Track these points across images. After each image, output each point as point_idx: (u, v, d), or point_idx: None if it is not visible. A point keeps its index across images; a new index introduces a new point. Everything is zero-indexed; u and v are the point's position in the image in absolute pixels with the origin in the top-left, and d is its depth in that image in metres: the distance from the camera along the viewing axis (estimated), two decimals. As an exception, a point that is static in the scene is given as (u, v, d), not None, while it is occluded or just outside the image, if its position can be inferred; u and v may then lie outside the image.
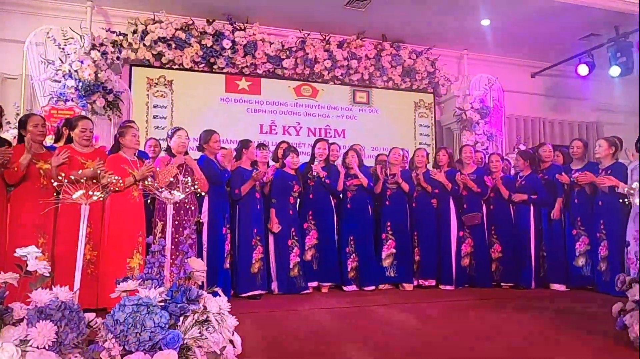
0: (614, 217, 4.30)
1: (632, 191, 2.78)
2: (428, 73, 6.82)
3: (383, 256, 4.85)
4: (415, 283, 4.89)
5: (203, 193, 3.94)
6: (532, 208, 4.94)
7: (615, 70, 6.33)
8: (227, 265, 4.18)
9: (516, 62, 7.43)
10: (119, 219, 3.53)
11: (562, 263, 4.81)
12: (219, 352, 1.60)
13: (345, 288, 4.68)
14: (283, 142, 5.13)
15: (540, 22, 6.19)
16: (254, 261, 4.35)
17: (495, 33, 6.50)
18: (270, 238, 4.54)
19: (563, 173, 4.79)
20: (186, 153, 3.99)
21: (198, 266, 1.74)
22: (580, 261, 4.72)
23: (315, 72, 6.31)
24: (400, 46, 6.66)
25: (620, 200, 3.05)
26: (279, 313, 3.65)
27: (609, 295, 3.89)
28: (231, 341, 1.76)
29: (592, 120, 7.88)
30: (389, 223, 4.90)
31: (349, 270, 4.71)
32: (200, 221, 4.03)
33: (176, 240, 3.78)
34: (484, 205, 5.07)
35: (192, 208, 3.92)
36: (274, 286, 4.49)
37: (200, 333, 1.61)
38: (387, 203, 4.93)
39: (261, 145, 4.82)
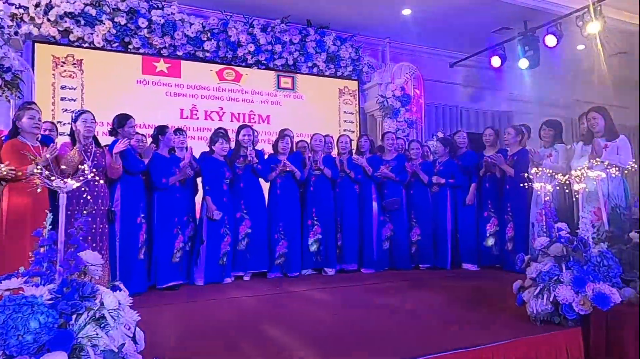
0: (520, 200, 4.60)
1: (531, 177, 2.98)
2: (352, 60, 6.88)
3: (309, 242, 4.88)
4: (338, 267, 4.97)
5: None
6: (448, 193, 5.17)
7: (523, 63, 6.74)
8: (142, 256, 3.99)
9: (436, 52, 7.71)
10: (18, 211, 3.23)
11: (474, 244, 5.10)
12: (116, 350, 1.50)
13: (269, 275, 4.65)
14: (220, 128, 4.96)
15: (458, 14, 6.44)
16: (175, 251, 4.20)
17: (416, 23, 6.68)
18: (203, 226, 4.39)
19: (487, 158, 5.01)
20: (94, 138, 3.73)
21: (93, 259, 1.62)
22: (490, 242, 5.03)
23: (239, 55, 6.14)
24: (325, 32, 6.65)
25: (521, 184, 3.26)
26: (198, 304, 3.56)
27: (515, 273, 4.17)
28: (133, 337, 1.66)
29: (505, 109, 8.38)
30: (314, 209, 4.92)
31: (276, 256, 4.68)
32: (112, 210, 3.80)
33: (92, 231, 3.56)
34: (403, 190, 5.24)
35: (104, 195, 3.69)
36: (197, 276, 4.36)
37: (95, 331, 1.50)
38: (311, 189, 4.95)
39: (178, 130, 4.62)
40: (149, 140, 4.43)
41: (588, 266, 2.54)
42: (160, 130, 4.31)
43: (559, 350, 2.43)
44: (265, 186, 4.92)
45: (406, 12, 6.37)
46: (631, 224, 2.95)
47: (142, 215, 4.03)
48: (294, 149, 5.07)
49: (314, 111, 6.73)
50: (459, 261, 5.15)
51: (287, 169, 4.74)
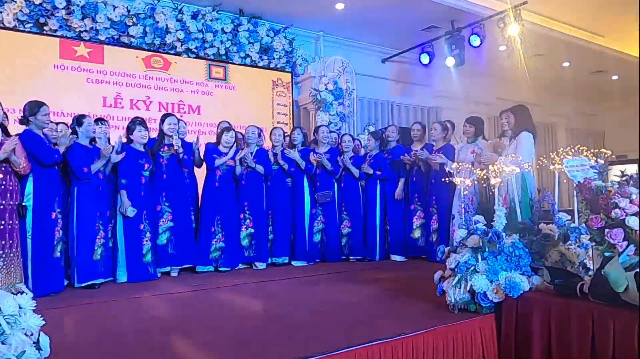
0: (444, 194, 4.79)
1: (451, 171, 3.11)
2: (286, 52, 6.82)
3: (241, 236, 4.81)
4: (269, 261, 4.95)
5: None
6: (378, 186, 5.29)
7: (450, 61, 7.01)
8: (58, 254, 3.74)
9: (368, 47, 7.83)
10: None
11: (402, 236, 5.26)
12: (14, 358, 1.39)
13: (199, 270, 4.54)
14: (137, 117, 4.73)
15: (390, 11, 6.56)
16: (96, 247, 3.98)
17: (349, 17, 6.74)
18: (120, 222, 4.18)
19: (405, 154, 5.20)
20: (2, 126, 3.43)
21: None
22: (417, 234, 5.21)
23: (167, 42, 5.89)
24: (258, 22, 6.54)
25: (443, 179, 3.39)
26: (119, 303, 3.40)
27: (438, 263, 4.35)
28: (37, 343, 1.55)
29: (433, 105, 8.70)
30: (246, 203, 4.86)
31: (211, 250, 4.57)
32: (23, 204, 3.52)
33: (1, 227, 3.28)
34: (335, 183, 5.30)
35: (13, 189, 3.41)
36: (121, 273, 4.16)
37: (-10, 339, 1.38)
38: (242, 182, 4.87)
39: (100, 120, 4.37)
40: (69, 130, 4.15)
41: (501, 256, 2.70)
42: (79, 120, 4.04)
43: (474, 335, 2.57)
44: (199, 177, 4.78)
45: (339, 6, 6.41)
46: (540, 216, 3.16)
47: (58, 210, 3.77)
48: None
49: (246, 103, 6.62)
50: (387, 252, 5.29)
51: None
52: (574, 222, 3.00)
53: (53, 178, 3.78)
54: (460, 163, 3.32)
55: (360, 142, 5.96)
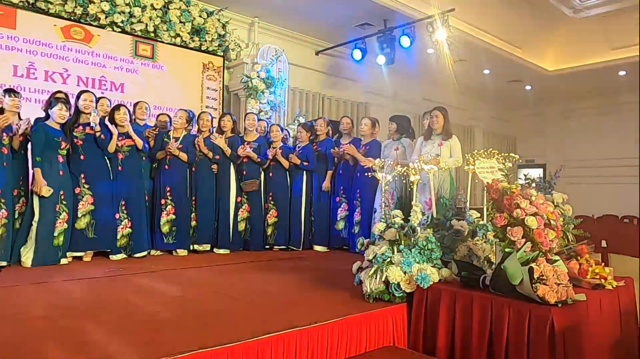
0: (368, 188, 4.96)
1: (375, 167, 3.23)
2: (219, 36, 6.66)
3: (162, 222, 4.66)
4: (191, 248, 4.85)
5: None
6: (304, 177, 5.34)
7: (381, 59, 7.21)
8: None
9: (303, 38, 7.84)
10: None
11: (326, 226, 5.37)
12: None
13: (112, 257, 4.34)
14: (59, 91, 4.41)
15: (326, 3, 6.61)
16: (-2, 227, 3.68)
17: (286, 6, 6.71)
18: (35, 202, 3.90)
19: (336, 147, 5.30)
20: None
21: None
22: (340, 225, 5.35)
23: (90, 13, 5.52)
24: (191, 1, 6.32)
25: (366, 174, 3.52)
26: (21, 287, 3.18)
27: (359, 254, 4.51)
28: None
29: (362, 100, 8.91)
30: (168, 188, 4.71)
31: (118, 237, 4.37)
32: None
33: None
34: (262, 172, 5.28)
35: None
36: (26, 256, 3.88)
37: None
38: (166, 167, 4.72)
39: (10, 91, 4.02)
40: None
41: (415, 249, 2.85)
42: None
43: (386, 323, 2.71)
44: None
45: (275, -7, 6.36)
46: (454, 212, 3.38)
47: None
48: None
49: (174, 84, 6.39)
50: (311, 243, 5.38)
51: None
52: (483, 220, 3.24)
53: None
54: (383, 159, 3.45)
55: (289, 132, 5.98)
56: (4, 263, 3.73)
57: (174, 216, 4.70)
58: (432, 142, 4.51)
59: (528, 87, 10.72)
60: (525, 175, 2.84)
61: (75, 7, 5.40)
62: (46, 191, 3.87)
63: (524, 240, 2.57)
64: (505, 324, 2.34)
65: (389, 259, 2.85)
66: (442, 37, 6.41)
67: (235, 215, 5.08)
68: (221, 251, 4.94)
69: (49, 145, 3.96)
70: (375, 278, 2.82)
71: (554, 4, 7.77)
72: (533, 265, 2.34)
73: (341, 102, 8.59)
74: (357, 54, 7.42)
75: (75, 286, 3.27)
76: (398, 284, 2.78)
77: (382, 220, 3.08)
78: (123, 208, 4.41)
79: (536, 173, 4.36)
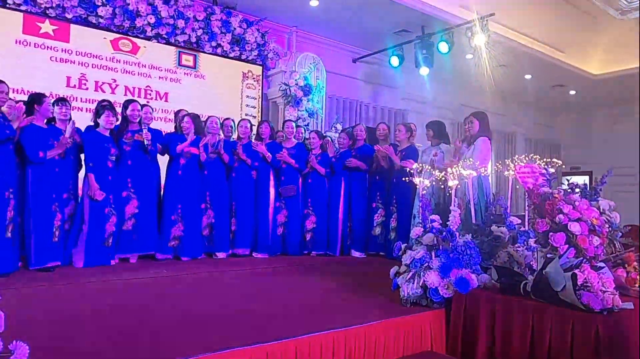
0: (404, 193, 4.93)
1: (412, 172, 3.23)
2: (258, 45, 6.82)
3: (203, 225, 4.81)
4: (230, 251, 4.96)
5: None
6: (342, 183, 5.37)
7: (419, 65, 7.18)
8: (9, 234, 3.63)
9: (340, 46, 7.91)
10: None
11: (363, 232, 5.38)
12: (-33, 331, 1.38)
13: (158, 257, 4.51)
14: (105, 100, 4.64)
15: (363, 12, 6.67)
16: (53, 230, 3.89)
17: (323, 15, 6.80)
18: (86, 205, 4.11)
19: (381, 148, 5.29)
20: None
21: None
22: (377, 231, 5.34)
23: (137, 26, 5.79)
24: (232, 13, 6.51)
25: (403, 179, 3.52)
26: (74, 286, 3.35)
27: (396, 260, 4.49)
28: (-10, 319, 1.54)
29: (400, 107, 8.88)
30: (207, 193, 4.86)
31: (170, 238, 4.54)
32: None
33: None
34: (301, 178, 5.36)
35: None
36: (78, 256, 4.09)
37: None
38: (205, 172, 4.87)
39: (61, 100, 4.25)
40: (22, 107, 4.02)
41: (454, 254, 2.83)
42: (37, 98, 3.91)
43: (424, 329, 2.69)
44: (162, 164, 4.75)
45: (314, 3, 6.46)
46: (493, 218, 3.33)
47: (11, 189, 3.66)
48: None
49: (215, 93, 6.59)
50: (349, 248, 5.40)
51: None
52: (524, 227, 3.18)
53: (6, 156, 3.63)
54: (421, 165, 3.45)
55: (330, 139, 6.04)
56: (57, 264, 3.94)
57: (213, 220, 4.84)
58: (469, 148, 4.45)
59: (572, 92, 10.40)
60: (568, 180, 2.77)
61: (124, 20, 5.67)
62: (100, 194, 4.08)
63: (567, 246, 2.51)
64: (548, 332, 2.29)
65: (426, 264, 2.84)
66: (481, 42, 6.34)
67: (274, 219, 5.17)
68: (260, 255, 5.03)
69: (100, 151, 4.17)
70: (413, 283, 2.81)
71: (599, 5, 7.54)
72: (577, 271, 2.28)
73: (378, 108, 8.59)
74: (395, 61, 7.43)
75: (123, 287, 3.41)
76: (436, 289, 2.76)
77: (420, 225, 3.08)
78: (178, 211, 4.58)
79: (581, 180, 4.22)
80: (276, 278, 3.90)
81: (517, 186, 3.32)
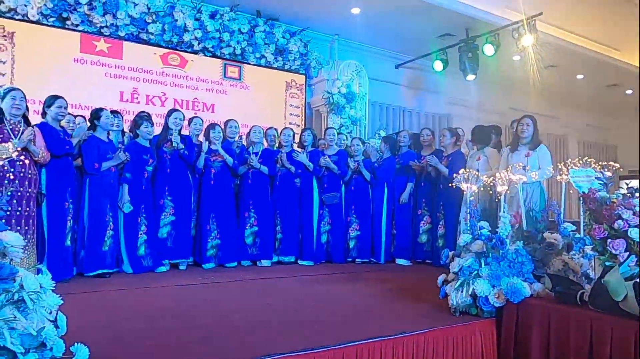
0: (452, 200, 4.83)
1: (459, 177, 3.16)
2: (301, 55, 6.91)
3: (246, 233, 4.89)
4: (275, 259, 5.02)
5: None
6: (386, 189, 5.33)
7: (463, 69, 7.04)
8: (69, 242, 3.84)
9: (382, 52, 7.89)
10: None
11: (408, 240, 5.30)
12: (35, 334, 1.47)
13: (204, 265, 4.62)
14: (143, 111, 4.84)
15: (405, 17, 6.63)
16: (106, 238, 4.08)
17: (365, 22, 6.81)
18: (121, 215, 4.27)
19: (415, 160, 5.24)
20: (24, 116, 3.54)
21: (13, 241, 1.57)
22: (423, 238, 5.26)
23: (184, 41, 6.00)
24: (274, 24, 6.64)
25: (450, 185, 3.45)
26: (127, 292, 3.49)
27: (443, 268, 4.39)
28: (55, 322, 1.63)
29: (444, 112, 8.73)
30: (251, 201, 4.93)
31: (208, 247, 4.64)
32: (42, 193, 3.63)
33: (18, 213, 3.39)
34: (343, 185, 5.36)
35: (31, 178, 3.52)
36: (125, 265, 4.26)
37: (12, 314, 1.46)
38: (248, 181, 4.95)
39: (114, 112, 4.47)
40: (85, 123, 4.27)
41: (504, 262, 2.74)
42: (96, 113, 4.15)
43: (474, 338, 2.62)
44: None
45: (355, 10, 6.49)
46: (546, 225, 3.20)
47: (70, 200, 3.87)
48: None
49: (260, 103, 6.72)
50: (393, 256, 5.34)
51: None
52: (579, 233, 3.04)
53: (66, 168, 3.86)
54: (468, 170, 3.36)
55: (371, 146, 6.01)
56: (110, 270, 4.11)
57: (256, 228, 4.91)
58: (519, 152, 4.31)
59: (629, 92, 9.88)
60: (626, 184, 2.63)
61: (172, 35, 5.89)
62: (127, 207, 4.22)
63: (627, 253, 2.37)
64: (608, 344, 2.17)
65: (475, 272, 2.76)
66: (529, 43, 6.15)
67: (318, 227, 5.19)
68: (305, 262, 5.06)
69: (138, 161, 4.33)
70: (462, 291, 2.74)
71: (657, -1, 7.14)
72: (639, 280, 2.16)
73: (422, 114, 8.49)
74: (438, 66, 7.33)
75: (172, 292, 3.52)
76: (486, 298, 2.68)
77: (468, 232, 3.00)
78: (213, 220, 4.68)
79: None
80: (321, 286, 3.90)
81: (571, 191, 3.17)
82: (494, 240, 2.77)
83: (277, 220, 5.07)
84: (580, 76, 8.91)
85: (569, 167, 3.11)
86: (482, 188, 3.24)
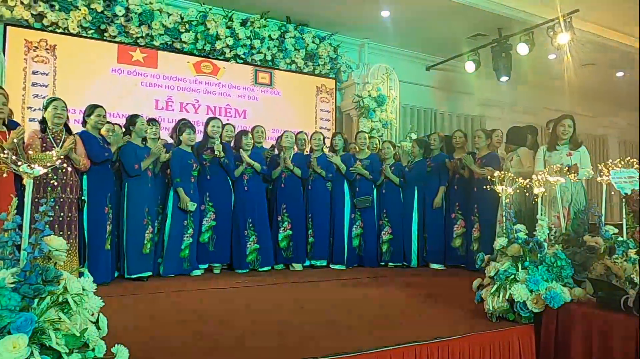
0: (487, 202, 4.70)
1: (494, 179, 3.09)
2: (330, 59, 6.93)
3: (279, 238, 4.92)
4: (307, 263, 5.04)
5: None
6: (416, 192, 5.27)
7: (503, 78, 6.91)
8: (109, 246, 3.96)
9: (412, 54, 7.82)
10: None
11: (441, 244, 5.22)
12: (78, 334, 1.52)
13: (238, 269, 4.68)
14: (184, 119, 4.95)
15: (435, 18, 6.55)
16: (145, 242, 4.19)
17: (395, 25, 6.77)
18: (169, 219, 4.38)
19: (451, 159, 5.17)
20: (65, 125, 3.69)
21: (58, 245, 1.63)
22: (457, 242, 5.16)
23: (217, 49, 6.12)
24: (304, 30, 6.69)
25: (484, 187, 3.39)
26: (165, 294, 3.57)
27: (478, 272, 4.30)
28: (96, 323, 1.69)
29: (477, 113, 8.57)
30: (284, 206, 4.97)
31: (247, 252, 4.70)
32: (83, 199, 3.77)
33: (60, 219, 3.53)
34: (375, 189, 5.33)
35: (73, 184, 3.66)
36: (166, 268, 4.35)
37: (57, 315, 1.52)
38: (282, 186, 4.99)
39: (151, 120, 4.59)
40: (121, 130, 4.41)
41: (542, 266, 2.67)
42: (131, 119, 4.29)
43: (512, 345, 2.55)
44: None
45: (385, 13, 6.46)
46: (586, 228, 3.10)
47: (110, 205, 4.00)
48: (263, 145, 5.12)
49: (290, 108, 6.77)
50: (425, 260, 5.27)
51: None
52: (621, 236, 2.92)
53: (105, 175, 4.02)
54: (503, 172, 3.29)
55: (402, 149, 5.97)
56: (149, 273, 4.22)
57: (290, 232, 4.94)
58: (559, 152, 4.17)
59: (673, 88, 9.44)
60: (672, 185, 2.52)
61: (205, 44, 6.01)
62: (192, 205, 4.34)
63: (674, 257, 2.27)
64: (655, 352, 2.08)
65: (512, 276, 2.70)
66: (565, 41, 5.98)
67: (350, 231, 5.18)
68: (337, 266, 5.05)
69: (184, 167, 4.43)
70: (498, 296, 2.68)
71: (702, -9, 6.82)
72: (688, 285, 2.06)
73: (454, 116, 8.36)
74: (470, 66, 7.20)
75: (207, 295, 3.58)
76: (524, 303, 2.61)
77: (503, 235, 2.93)
78: (250, 225, 4.74)
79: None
80: (354, 290, 3.89)
81: (612, 193, 3.06)
82: (531, 244, 2.70)
83: (309, 224, 5.09)
84: (620, 73, 8.59)
85: (610, 168, 3.01)
86: (517, 190, 3.16)
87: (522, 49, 6.42)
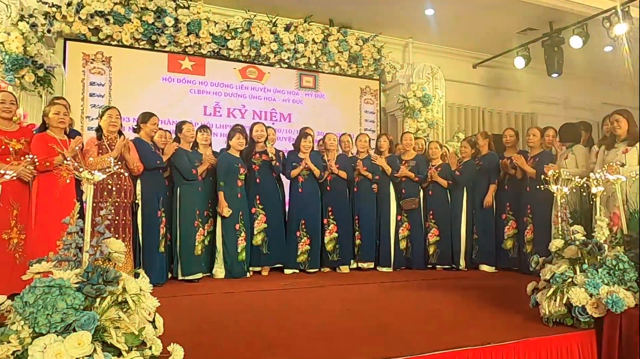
0: (540, 202, 4.53)
1: (547, 178, 2.97)
2: (374, 60, 6.90)
3: (326, 240, 4.94)
4: (355, 265, 5.02)
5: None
6: (465, 193, 5.14)
7: (547, 64, 6.64)
8: (162, 249, 4.11)
9: (458, 52, 7.65)
10: (47, 201, 3.39)
11: (492, 245, 5.06)
12: (136, 333, 1.59)
13: (287, 271, 4.73)
14: (238, 124, 5.06)
15: (482, 14, 6.39)
16: (196, 244, 4.31)
17: (439, 23, 6.66)
18: (218, 222, 4.50)
19: (506, 159, 5.01)
20: (120, 133, 3.86)
21: (117, 247, 1.72)
22: (509, 244, 4.99)
23: (262, 54, 6.23)
24: (347, 32, 6.69)
25: (537, 186, 3.26)
26: (216, 296, 3.66)
27: (531, 275, 4.14)
28: (153, 322, 1.75)
29: (528, 111, 8.27)
30: (330, 208, 4.97)
31: (298, 254, 4.74)
32: (137, 202, 3.94)
33: (115, 222, 3.70)
34: (421, 190, 5.25)
35: (127, 189, 3.82)
36: (218, 269, 4.46)
37: (117, 314, 1.60)
38: (327, 188, 5.00)
39: (203, 127, 4.73)
40: (171, 139, 4.57)
41: (602, 269, 2.54)
42: (179, 126, 4.45)
43: (571, 352, 2.44)
44: (285, 183, 5.00)
45: (429, 12, 6.36)
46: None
47: (162, 209, 4.15)
48: (314, 148, 5.14)
49: (335, 110, 6.79)
50: (475, 262, 5.13)
51: (308, 168, 4.76)
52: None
53: (158, 180, 4.18)
54: (557, 171, 3.16)
55: (447, 149, 5.84)
56: (201, 275, 4.34)
57: (336, 234, 4.93)
58: (616, 149, 3.96)
59: None
60: None
61: (250, 50, 6.14)
62: (227, 212, 4.41)
63: None
64: None
65: (570, 279, 2.58)
66: (623, 32, 5.67)
67: (396, 233, 5.12)
68: (384, 269, 5.01)
69: (230, 171, 4.53)
70: (555, 300, 2.57)
71: None
72: None
73: (503, 114, 8.11)
74: (520, 62, 6.96)
75: (258, 297, 3.65)
76: (583, 307, 2.49)
77: (559, 237, 2.81)
78: (303, 226, 4.78)
79: None
80: (401, 292, 3.84)
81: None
82: (590, 246, 2.58)
83: (355, 226, 5.07)
84: (684, 64, 8.04)
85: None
86: (572, 190, 3.02)
87: (576, 42, 6.15)
